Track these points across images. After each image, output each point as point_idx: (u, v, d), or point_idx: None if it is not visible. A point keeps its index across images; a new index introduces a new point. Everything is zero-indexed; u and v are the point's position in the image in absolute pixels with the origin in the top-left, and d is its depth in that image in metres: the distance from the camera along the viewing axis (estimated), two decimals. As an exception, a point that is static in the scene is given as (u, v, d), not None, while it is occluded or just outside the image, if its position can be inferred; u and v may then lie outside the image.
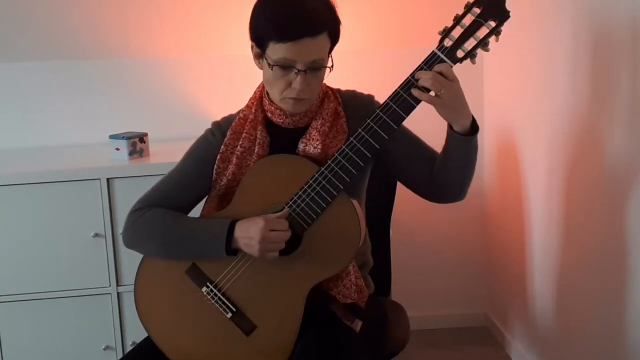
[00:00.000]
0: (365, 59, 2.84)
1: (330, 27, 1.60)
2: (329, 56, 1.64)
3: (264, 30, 1.58)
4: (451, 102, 1.55)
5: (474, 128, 1.62)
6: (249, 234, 1.60)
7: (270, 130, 1.72)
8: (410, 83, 1.57)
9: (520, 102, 2.59)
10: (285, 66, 1.59)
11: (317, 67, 1.61)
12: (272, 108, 1.69)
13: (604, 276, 2.00)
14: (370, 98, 1.77)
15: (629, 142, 1.83)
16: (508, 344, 2.84)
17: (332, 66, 1.64)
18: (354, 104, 1.74)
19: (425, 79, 1.53)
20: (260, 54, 1.64)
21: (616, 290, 1.93)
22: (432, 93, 1.55)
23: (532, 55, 2.44)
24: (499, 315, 2.98)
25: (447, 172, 1.68)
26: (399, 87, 1.57)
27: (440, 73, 1.54)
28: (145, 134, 2.54)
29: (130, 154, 2.48)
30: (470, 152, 1.65)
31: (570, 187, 2.20)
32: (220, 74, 2.78)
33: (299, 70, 1.58)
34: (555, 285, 2.36)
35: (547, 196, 2.38)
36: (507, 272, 2.83)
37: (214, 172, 1.72)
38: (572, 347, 2.26)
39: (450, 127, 1.63)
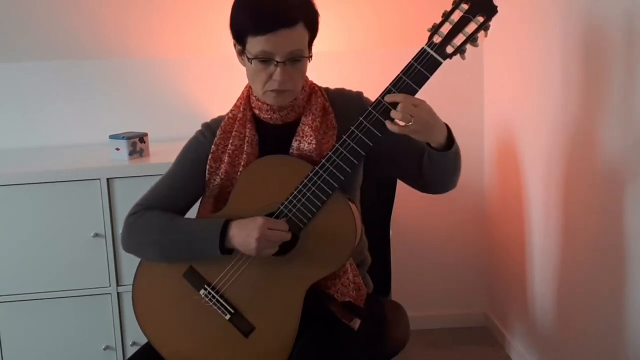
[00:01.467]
0: (366, 59, 2.84)
1: (306, 17, 1.61)
2: (309, 49, 1.65)
3: (242, 25, 1.61)
4: (422, 127, 1.58)
5: (450, 140, 1.65)
6: (247, 230, 1.60)
7: (259, 128, 1.73)
8: (400, 80, 1.57)
9: (520, 102, 2.59)
10: (264, 59, 1.60)
11: (297, 59, 1.62)
12: (259, 104, 1.71)
13: (603, 276, 2.00)
14: (359, 94, 1.78)
15: (628, 141, 1.83)
16: (508, 344, 2.84)
17: (311, 56, 1.65)
18: (342, 101, 1.75)
19: (394, 112, 1.56)
20: (241, 51, 1.66)
21: (616, 290, 1.93)
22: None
23: (532, 55, 2.44)
24: (499, 315, 2.98)
25: (432, 174, 1.71)
26: (390, 85, 1.58)
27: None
28: (145, 134, 2.54)
29: (130, 154, 2.48)
30: (448, 163, 1.68)
31: (569, 187, 2.20)
32: (220, 74, 2.78)
33: (277, 62, 1.60)
34: (555, 285, 2.36)
35: (546, 196, 2.38)
36: (507, 272, 2.84)
37: (207, 172, 1.73)
38: (572, 347, 2.26)
39: (427, 143, 1.65)
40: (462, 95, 2.91)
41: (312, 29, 1.64)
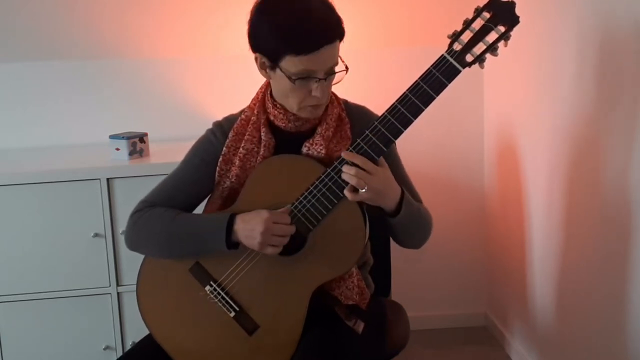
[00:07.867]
0: (370, 59, 2.83)
1: (341, 31, 1.59)
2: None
3: (279, 44, 1.56)
4: (375, 194, 1.58)
5: (400, 206, 1.63)
6: (251, 225, 1.59)
7: (274, 132, 1.72)
8: (418, 86, 1.55)
9: (521, 102, 2.59)
10: (306, 77, 1.58)
11: (333, 72, 1.61)
12: (275, 112, 1.69)
13: (604, 276, 2.00)
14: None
15: (630, 141, 1.83)
16: (508, 344, 2.84)
17: (347, 68, 1.63)
18: (361, 116, 1.74)
19: (349, 176, 1.55)
20: (271, 66, 1.62)
21: (616, 290, 1.93)
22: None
23: (532, 54, 2.44)
24: (499, 315, 2.98)
25: (389, 232, 1.73)
26: (407, 90, 1.57)
27: (363, 168, 1.56)
28: (145, 134, 2.54)
29: (130, 154, 2.48)
30: (397, 227, 1.67)
31: (570, 187, 2.20)
32: (220, 74, 2.78)
33: (319, 79, 1.58)
34: (555, 285, 2.36)
35: (547, 196, 2.38)
36: (507, 272, 2.84)
37: (217, 174, 1.71)
38: (572, 347, 2.26)
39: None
40: (462, 97, 2.91)
41: (342, 39, 1.62)
